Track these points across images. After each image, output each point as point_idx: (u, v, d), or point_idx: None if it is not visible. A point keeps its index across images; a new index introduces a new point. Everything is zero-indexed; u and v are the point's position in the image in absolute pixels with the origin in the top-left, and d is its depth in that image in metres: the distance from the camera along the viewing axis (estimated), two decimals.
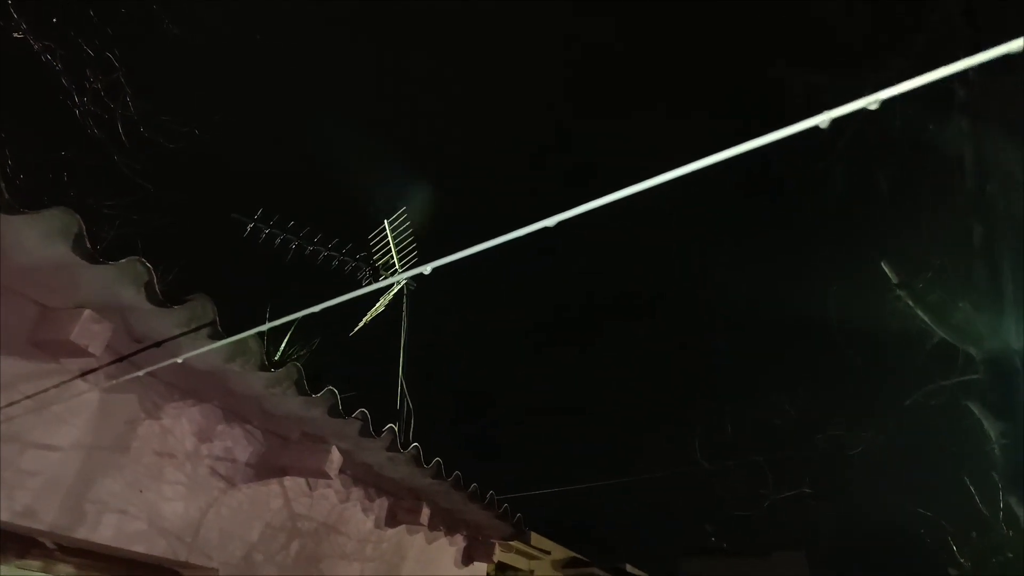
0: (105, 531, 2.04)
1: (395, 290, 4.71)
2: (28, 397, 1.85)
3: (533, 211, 1.11)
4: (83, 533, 1.98)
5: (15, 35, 4.30)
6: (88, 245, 1.71)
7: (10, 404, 1.81)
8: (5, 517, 1.78)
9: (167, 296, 1.92)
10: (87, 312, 1.88)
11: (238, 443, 2.57)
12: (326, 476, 2.73)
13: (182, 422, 2.34)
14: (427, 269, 1.28)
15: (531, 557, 8.69)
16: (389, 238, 4.86)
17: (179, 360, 1.81)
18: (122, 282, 1.84)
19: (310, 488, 2.92)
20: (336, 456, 2.69)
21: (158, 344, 2.02)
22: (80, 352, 1.89)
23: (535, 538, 8.43)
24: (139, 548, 2.15)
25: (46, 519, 1.89)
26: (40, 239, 1.69)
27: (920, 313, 5.78)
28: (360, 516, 3.25)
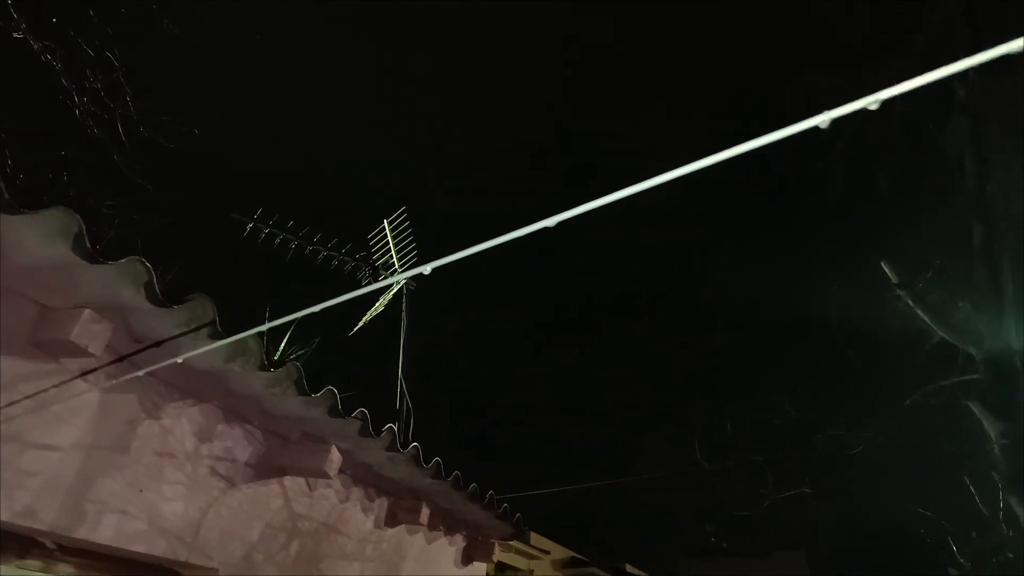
0: (105, 531, 2.04)
1: (395, 290, 4.71)
2: (28, 397, 1.85)
3: (533, 211, 1.11)
4: (83, 533, 1.98)
5: (15, 35, 4.30)
6: (88, 245, 1.71)
7: (10, 404, 1.81)
8: (5, 517, 1.78)
9: (167, 296, 1.92)
10: (87, 312, 1.88)
11: (238, 443, 2.57)
12: (326, 476, 2.73)
13: (182, 422, 2.34)
14: (427, 269, 1.28)
15: (531, 557, 8.69)
16: (389, 238, 4.86)
17: (179, 360, 1.81)
18: (122, 282, 1.84)
19: (310, 488, 2.92)
20: (336, 456, 2.69)
21: (158, 344, 2.02)
22: (80, 352, 1.89)
23: (535, 538, 8.43)
24: (139, 548, 2.15)
25: (46, 519, 1.89)
26: (40, 239, 1.69)
27: (920, 313, 5.78)
28: (360, 516, 3.25)
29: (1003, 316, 5.26)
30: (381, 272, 4.82)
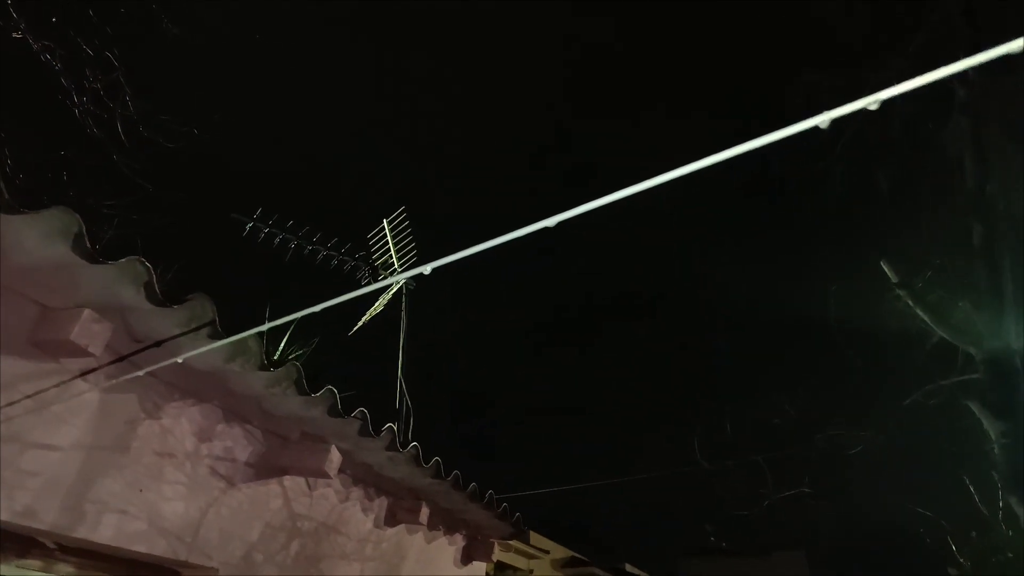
0: (105, 531, 2.04)
1: (394, 290, 4.71)
2: (28, 397, 1.85)
3: (533, 211, 1.11)
4: (83, 533, 1.98)
5: (14, 35, 4.30)
6: (88, 245, 1.71)
7: (10, 404, 1.81)
8: (5, 517, 1.78)
9: (167, 296, 1.92)
10: (87, 312, 1.88)
11: (238, 443, 2.57)
12: (326, 476, 2.73)
13: (182, 422, 2.34)
14: (427, 269, 1.28)
15: (530, 556, 8.69)
16: (388, 237, 4.86)
17: (179, 360, 1.81)
18: (122, 282, 1.84)
19: (310, 488, 2.92)
20: (336, 456, 2.69)
21: (158, 344, 2.02)
22: (80, 352, 1.89)
23: (534, 537, 8.43)
24: (139, 548, 2.15)
25: (46, 519, 1.89)
26: (40, 239, 1.69)
27: (920, 313, 5.78)
28: (360, 516, 3.25)
29: (1003, 316, 5.26)
30: (381, 272, 4.82)
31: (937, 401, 5.95)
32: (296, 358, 2.49)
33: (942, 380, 5.83)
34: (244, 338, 2.01)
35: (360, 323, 4.75)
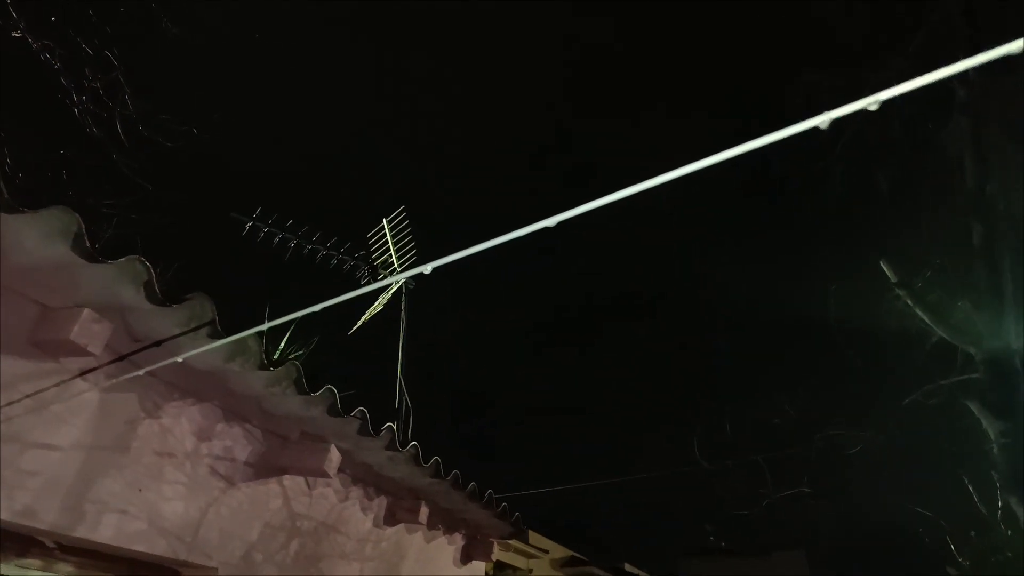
0: (105, 530, 2.04)
1: (394, 289, 4.71)
2: (28, 396, 1.84)
3: (533, 211, 1.11)
4: (83, 532, 1.98)
5: (14, 34, 4.29)
6: (88, 244, 1.71)
7: (10, 404, 1.81)
8: (5, 516, 1.78)
9: (166, 295, 1.92)
10: (86, 311, 1.88)
11: (237, 442, 2.57)
12: (325, 475, 2.73)
13: (182, 421, 2.34)
14: (427, 269, 1.28)
15: (529, 556, 8.70)
16: (388, 237, 4.86)
17: (179, 359, 1.81)
18: (122, 281, 1.84)
19: (309, 487, 2.92)
20: (335, 455, 2.69)
21: (158, 343, 2.02)
22: (80, 351, 1.89)
23: (534, 537, 8.44)
24: (139, 547, 2.15)
25: (46, 518, 1.89)
26: (40, 238, 1.69)
27: (919, 313, 5.78)
28: (359, 515, 3.25)
29: (1003, 316, 5.26)
30: (380, 271, 4.82)
31: (937, 401, 5.95)
32: (296, 358, 2.49)
33: (942, 380, 5.83)
34: (244, 338, 2.00)
35: (360, 322, 4.75)
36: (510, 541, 6.52)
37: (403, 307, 4.75)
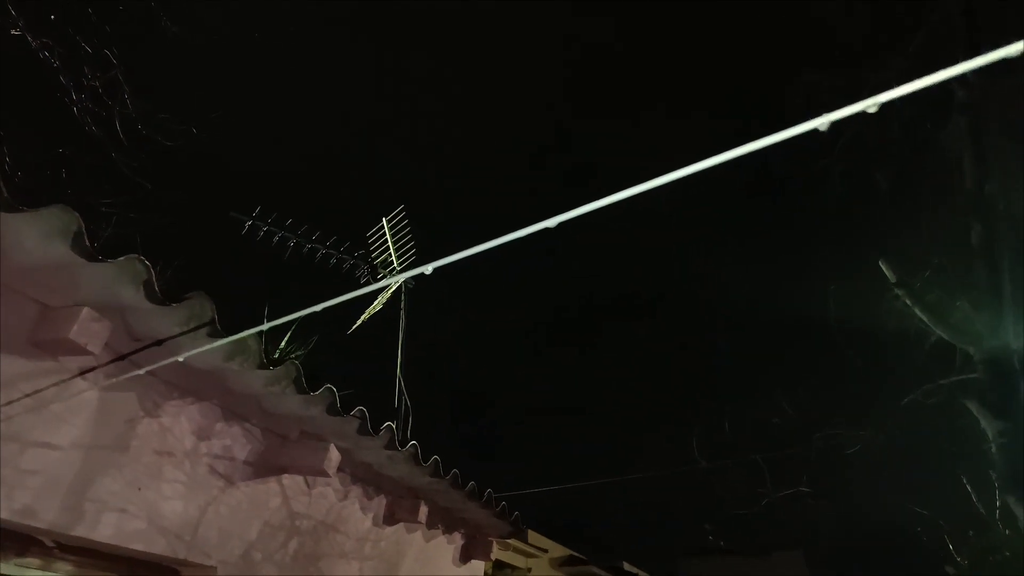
0: (104, 529, 2.04)
1: (393, 288, 4.71)
2: (28, 396, 1.84)
3: (533, 211, 1.11)
4: (82, 531, 1.99)
5: (12, 32, 4.29)
6: (87, 243, 1.71)
7: (10, 403, 1.81)
8: (5, 515, 1.78)
9: (166, 294, 1.92)
10: (86, 311, 1.88)
11: (237, 441, 2.57)
12: (325, 474, 2.73)
13: (181, 421, 2.34)
14: (428, 269, 1.28)
15: (529, 555, 8.70)
16: (387, 236, 4.86)
17: (180, 359, 1.81)
18: (121, 280, 1.84)
19: (309, 486, 2.92)
20: (335, 454, 2.69)
21: (159, 343, 2.02)
22: (79, 351, 1.89)
23: (533, 536, 8.44)
24: (138, 546, 2.15)
25: (46, 517, 1.89)
26: (39, 237, 1.69)
27: (919, 312, 5.78)
28: (359, 514, 3.25)
29: (1002, 316, 5.27)
30: (380, 271, 4.82)
31: (936, 401, 5.95)
32: (295, 357, 2.49)
33: (941, 380, 5.84)
34: (243, 337, 2.00)
35: (359, 322, 4.75)
36: (509, 540, 6.53)
37: (402, 307, 4.76)
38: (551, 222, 1.10)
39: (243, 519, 2.55)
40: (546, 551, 9.05)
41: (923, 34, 6.21)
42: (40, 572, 2.09)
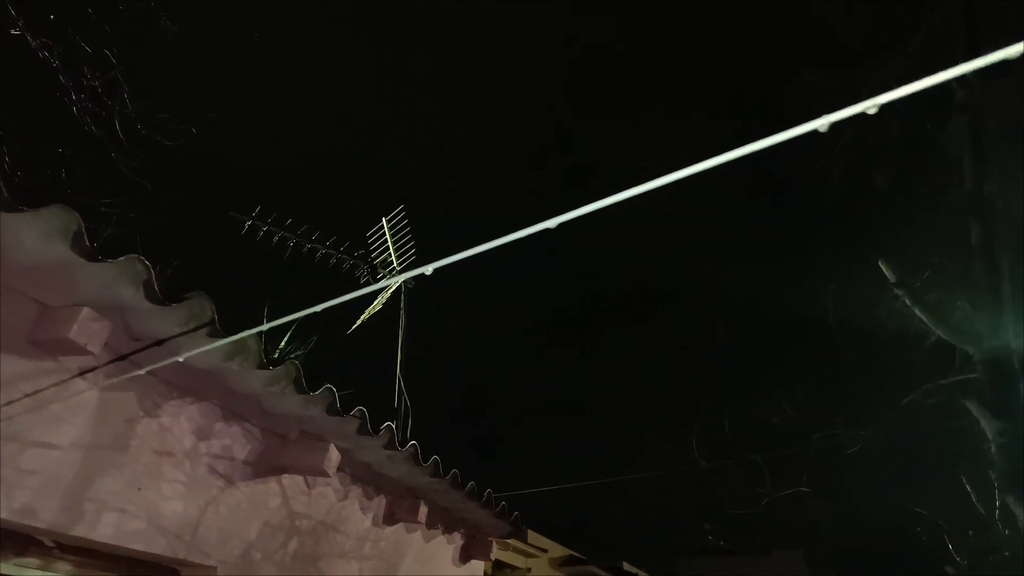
0: (104, 529, 2.04)
1: (392, 288, 4.71)
2: (27, 396, 1.84)
3: (533, 211, 1.11)
4: (82, 531, 1.99)
5: (12, 32, 4.28)
6: (87, 243, 1.71)
7: (9, 403, 1.81)
8: (4, 515, 1.78)
9: (166, 294, 1.92)
10: (85, 310, 1.88)
11: (236, 441, 2.57)
12: (324, 474, 2.73)
13: (181, 420, 2.34)
14: (428, 270, 1.28)
15: (528, 555, 8.70)
16: (387, 236, 4.86)
17: (180, 359, 1.81)
18: (121, 280, 1.84)
19: (308, 486, 2.92)
20: (334, 454, 2.69)
21: (159, 343, 2.02)
22: (79, 350, 1.89)
23: (532, 536, 8.44)
24: (138, 546, 2.15)
25: (45, 517, 1.89)
26: (39, 237, 1.69)
27: (918, 312, 5.78)
28: (358, 514, 3.25)
29: (1001, 316, 5.27)
30: (380, 271, 4.83)
31: (935, 401, 5.96)
32: (295, 357, 2.49)
33: (940, 380, 5.84)
34: (243, 337, 2.00)
35: (359, 322, 4.75)
36: (509, 540, 6.53)
37: (402, 306, 4.76)
38: (552, 223, 1.10)
39: (243, 519, 2.55)
40: (546, 551, 9.05)
41: (923, 34, 6.21)
42: (39, 572, 2.09)
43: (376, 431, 2.71)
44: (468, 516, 3.92)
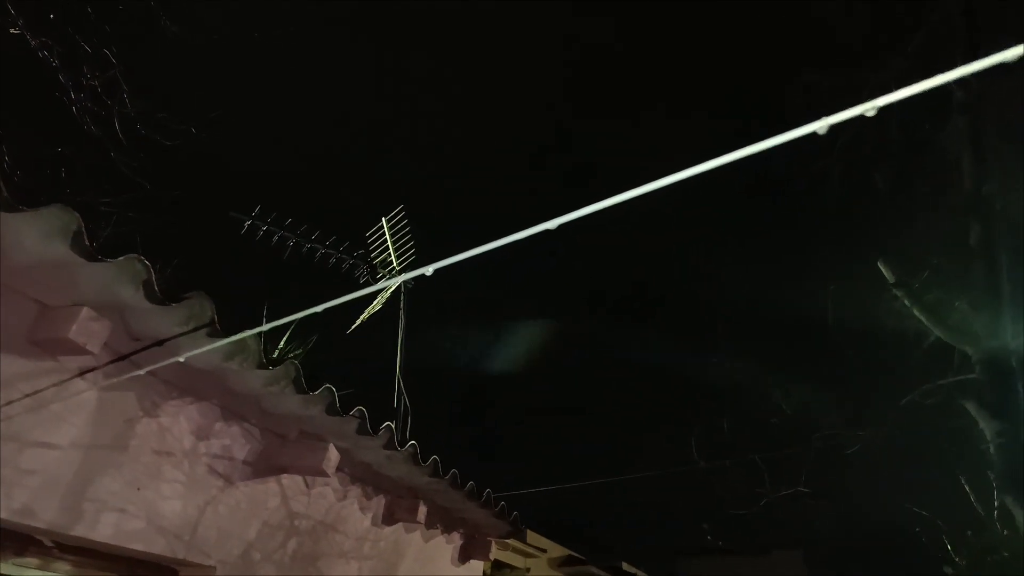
0: (103, 529, 2.04)
1: (392, 288, 4.71)
2: (27, 396, 1.84)
3: (533, 211, 1.11)
4: (81, 531, 1.99)
5: (12, 31, 4.28)
6: (87, 243, 1.71)
7: (9, 403, 1.81)
8: (4, 515, 1.78)
9: (165, 294, 1.92)
10: (85, 310, 1.88)
11: (236, 441, 2.57)
12: (324, 474, 2.73)
13: (180, 420, 2.34)
14: (429, 270, 1.28)
15: (527, 555, 8.71)
16: (387, 236, 4.86)
17: (180, 359, 1.81)
18: (120, 280, 1.84)
19: (308, 486, 2.93)
20: (334, 454, 2.70)
21: (160, 343, 2.02)
22: (78, 350, 1.89)
23: (531, 536, 8.44)
24: (137, 546, 2.15)
25: (44, 517, 1.89)
26: (39, 237, 1.69)
27: (917, 313, 5.79)
28: (358, 514, 3.25)
29: (1000, 316, 5.27)
30: (379, 271, 4.83)
31: (934, 401, 5.96)
32: (294, 357, 2.49)
33: (939, 380, 5.84)
34: (243, 337, 2.01)
35: (358, 322, 4.75)
36: (508, 540, 6.53)
37: (402, 306, 4.76)
38: (552, 224, 1.10)
39: (242, 519, 2.55)
40: (545, 551, 9.05)
41: (923, 34, 6.21)
42: (39, 572, 2.09)
43: (375, 431, 2.72)
44: (467, 516, 3.93)
